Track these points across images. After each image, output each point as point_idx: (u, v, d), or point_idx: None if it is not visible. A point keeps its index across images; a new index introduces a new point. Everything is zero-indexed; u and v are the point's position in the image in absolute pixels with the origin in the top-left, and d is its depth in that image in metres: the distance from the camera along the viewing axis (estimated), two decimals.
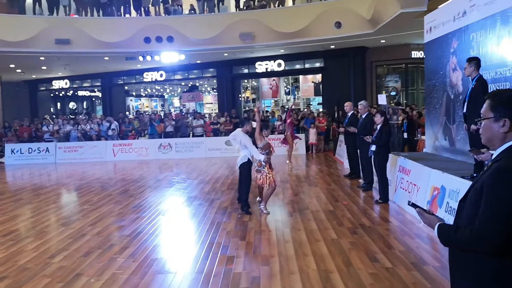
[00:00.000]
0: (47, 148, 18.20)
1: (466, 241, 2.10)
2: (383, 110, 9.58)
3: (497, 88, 6.86)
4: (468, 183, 5.73)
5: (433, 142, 9.71)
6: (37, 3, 17.89)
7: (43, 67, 22.17)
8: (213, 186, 10.92)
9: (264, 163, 7.74)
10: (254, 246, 6.08)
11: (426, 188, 7.07)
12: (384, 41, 17.77)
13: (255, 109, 8.63)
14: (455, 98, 8.44)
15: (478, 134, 6.04)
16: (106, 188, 11.34)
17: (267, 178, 7.72)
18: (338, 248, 5.82)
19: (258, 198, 8.28)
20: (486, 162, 4.73)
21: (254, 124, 8.32)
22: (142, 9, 18.53)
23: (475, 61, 6.27)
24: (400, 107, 14.04)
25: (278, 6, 17.98)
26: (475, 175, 6.21)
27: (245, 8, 18.40)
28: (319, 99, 22.52)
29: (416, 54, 19.21)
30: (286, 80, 24.85)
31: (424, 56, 11.37)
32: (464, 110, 6.38)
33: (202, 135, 18.74)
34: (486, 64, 7.15)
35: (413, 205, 2.60)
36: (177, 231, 7.23)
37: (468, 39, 7.91)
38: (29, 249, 6.29)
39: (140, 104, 32.79)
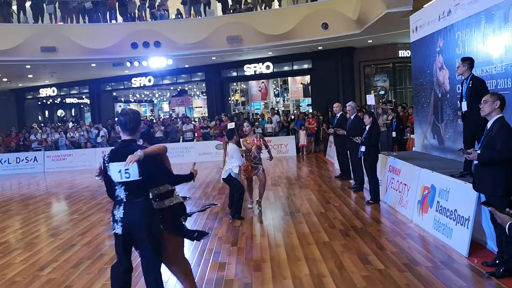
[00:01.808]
0: (35, 157, 18.02)
1: None
2: (371, 110, 9.59)
3: None
4: (458, 181, 5.76)
5: (422, 141, 9.74)
6: (21, 11, 17.70)
7: (29, 75, 21.94)
8: (204, 191, 10.86)
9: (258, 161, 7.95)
10: (246, 251, 6.04)
11: (416, 188, 7.07)
12: (371, 41, 17.82)
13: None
14: (442, 97, 8.47)
15: (478, 132, 6.08)
16: (96, 196, 11.23)
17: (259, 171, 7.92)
18: (331, 251, 5.80)
19: (249, 200, 8.33)
20: (475, 161, 4.74)
21: (229, 125, 8.78)
22: (128, 14, 18.40)
23: (468, 61, 6.25)
24: (389, 106, 14.06)
25: (265, 8, 17.97)
26: (465, 172, 6.23)
27: (231, 11, 18.36)
28: (309, 100, 22.54)
29: (403, 53, 19.27)
30: (275, 82, 24.82)
31: (411, 55, 11.41)
32: (464, 109, 6.34)
33: (192, 140, 18.65)
34: None
35: (487, 204, 2.66)
36: None
37: (453, 37, 7.94)
38: (18, 261, 6.19)
39: None
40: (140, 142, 4.18)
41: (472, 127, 6.21)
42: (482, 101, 4.71)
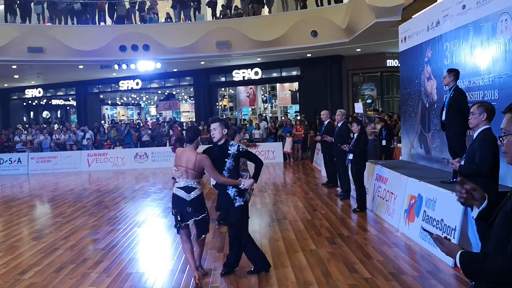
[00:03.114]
0: (19, 158, 17.74)
1: (497, 271, 1.81)
2: (359, 119, 9.62)
3: (471, 97, 6.95)
4: (445, 191, 5.79)
5: (409, 150, 9.80)
6: (9, 11, 17.50)
7: (15, 76, 21.69)
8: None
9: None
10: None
11: (403, 197, 7.10)
12: (359, 49, 17.95)
13: None
14: (430, 107, 8.54)
15: (456, 141, 6.15)
16: (80, 199, 11.09)
17: None
18: (317, 259, 5.78)
19: None
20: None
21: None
22: (117, 17, 18.26)
23: (454, 72, 6.38)
24: (377, 115, 14.14)
25: (254, 14, 17.99)
26: (454, 179, 6.27)
27: (221, 16, 18.37)
28: (296, 107, 22.60)
29: (391, 62, 19.47)
30: (263, 88, 24.86)
31: (398, 65, 11.50)
32: (443, 118, 6.46)
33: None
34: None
35: (428, 232, 2.37)
36: (153, 243, 7.07)
37: (441, 48, 8.02)
38: None
39: (116, 113, 32.38)
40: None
41: (450, 137, 6.37)
42: (470, 113, 4.69)
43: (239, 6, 18.26)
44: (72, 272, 5.64)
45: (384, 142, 12.39)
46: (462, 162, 4.70)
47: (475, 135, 4.65)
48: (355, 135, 8.43)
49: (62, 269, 5.78)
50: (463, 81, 7.13)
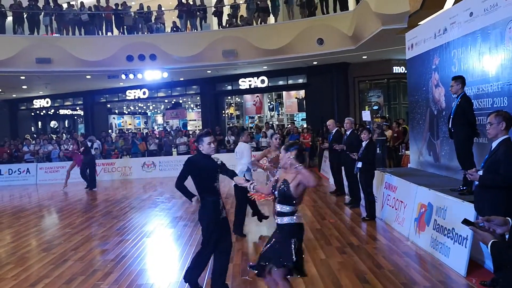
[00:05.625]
0: (27, 169, 17.85)
1: None
2: (367, 127, 9.59)
3: (479, 104, 6.92)
4: (456, 199, 5.74)
5: (418, 158, 9.75)
6: (17, 23, 17.67)
7: (23, 86, 21.85)
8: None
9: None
10: (242, 268, 5.97)
11: (413, 205, 7.05)
12: (366, 57, 17.93)
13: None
14: (438, 114, 8.51)
15: (461, 148, 6.14)
16: (89, 209, 11.12)
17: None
18: (327, 269, 5.74)
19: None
20: (476, 182, 4.67)
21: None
22: (124, 27, 18.40)
23: (460, 79, 6.39)
24: (385, 122, 14.04)
25: (261, 23, 18.06)
26: (464, 187, 6.24)
27: (227, 25, 18.44)
28: (303, 114, 22.59)
29: (397, 69, 19.43)
30: (269, 96, 24.90)
31: (405, 71, 11.46)
32: (450, 125, 6.45)
33: (186, 153, 18.54)
34: (468, 80, 7.20)
35: (467, 222, 2.54)
36: (162, 254, 7.06)
37: (449, 55, 8.00)
38: (9, 276, 6.08)
39: (123, 122, 32.53)
40: None
41: (456, 145, 6.35)
42: (487, 123, 4.58)
43: (245, 15, 18.32)
44: (83, 284, 5.64)
45: (378, 150, 12.24)
46: (480, 173, 4.56)
47: (494, 145, 4.54)
48: (364, 143, 8.40)
49: (72, 281, 5.78)
50: (472, 88, 7.10)
